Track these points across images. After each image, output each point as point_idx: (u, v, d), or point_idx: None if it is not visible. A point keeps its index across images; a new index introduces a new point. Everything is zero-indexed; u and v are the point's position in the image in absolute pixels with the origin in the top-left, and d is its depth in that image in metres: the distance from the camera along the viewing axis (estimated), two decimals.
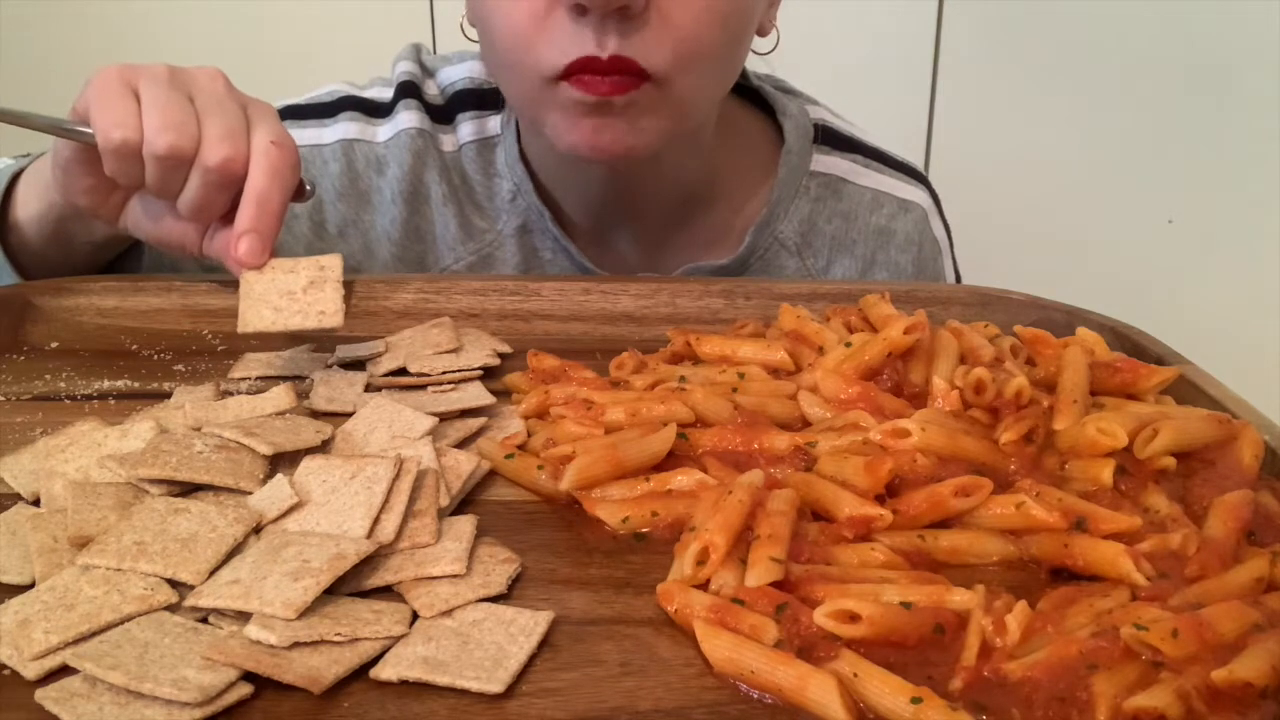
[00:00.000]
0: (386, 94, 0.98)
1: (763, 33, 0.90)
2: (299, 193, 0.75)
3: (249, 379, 0.69)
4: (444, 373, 0.68)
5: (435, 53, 1.03)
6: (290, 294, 0.69)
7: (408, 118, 0.95)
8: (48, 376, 0.70)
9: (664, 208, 0.94)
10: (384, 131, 0.96)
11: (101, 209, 0.77)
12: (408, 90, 0.97)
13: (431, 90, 0.98)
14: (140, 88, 0.71)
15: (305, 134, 0.94)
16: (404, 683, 0.43)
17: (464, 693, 0.42)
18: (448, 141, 0.97)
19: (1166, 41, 1.68)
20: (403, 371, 0.69)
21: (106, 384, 0.69)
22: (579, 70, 0.76)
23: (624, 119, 0.79)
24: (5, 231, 0.82)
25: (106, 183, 0.74)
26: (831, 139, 1.00)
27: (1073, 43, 1.68)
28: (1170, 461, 0.57)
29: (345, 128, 0.96)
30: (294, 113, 0.96)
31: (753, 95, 1.00)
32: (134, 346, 0.75)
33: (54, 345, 0.75)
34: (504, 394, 0.67)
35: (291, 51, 1.66)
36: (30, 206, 0.81)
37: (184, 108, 0.70)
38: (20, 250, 0.82)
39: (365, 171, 0.96)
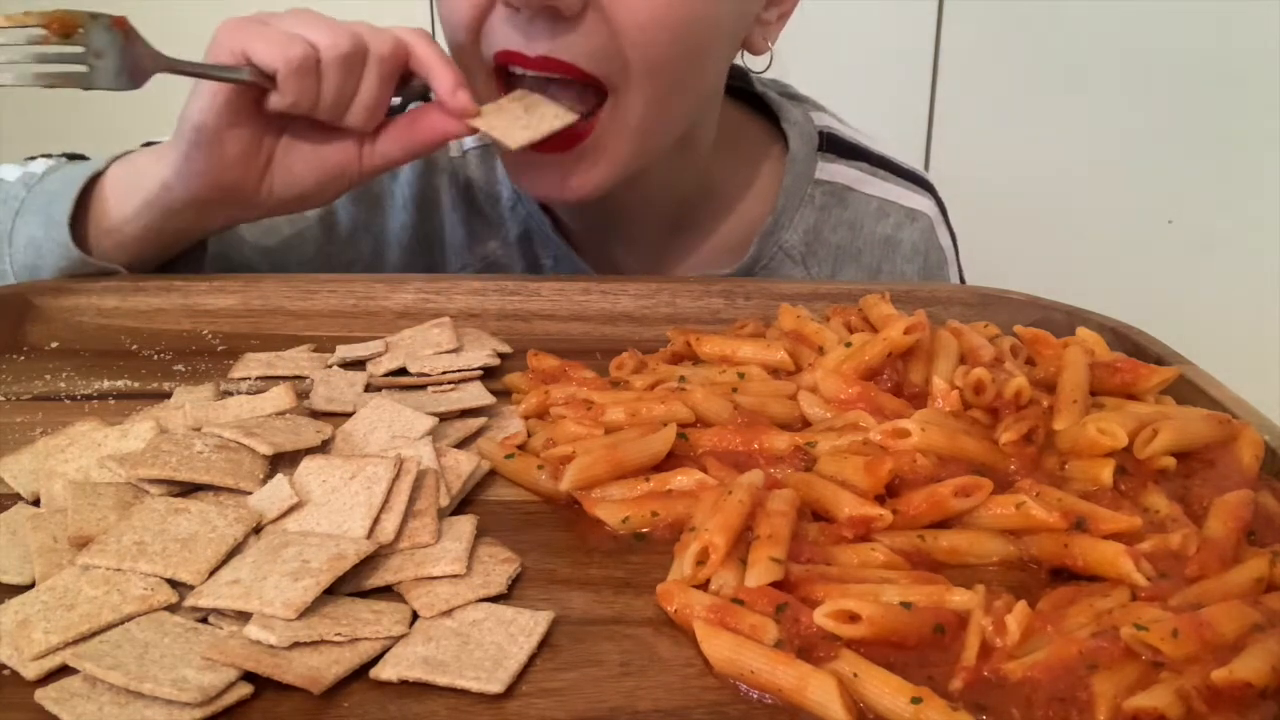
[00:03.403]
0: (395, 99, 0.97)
1: (756, 51, 0.89)
2: None
3: (249, 379, 0.69)
4: (444, 373, 0.68)
5: None
6: (521, 119, 0.77)
7: None
8: (48, 376, 0.70)
9: (660, 218, 0.94)
10: None
11: (248, 179, 0.78)
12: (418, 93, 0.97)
13: None
14: (273, 22, 0.74)
15: None
16: (404, 683, 0.43)
17: (464, 693, 0.42)
18: (452, 146, 0.97)
19: (1166, 42, 1.68)
20: (403, 371, 0.69)
21: (106, 384, 0.69)
22: (506, 61, 0.78)
23: (564, 164, 0.81)
24: (85, 235, 0.81)
25: (255, 141, 0.77)
26: (837, 147, 1.00)
27: (1073, 43, 1.68)
28: (1170, 461, 0.57)
29: None
30: None
31: (756, 101, 1.00)
32: (134, 346, 0.75)
33: (54, 345, 0.75)
34: (504, 394, 0.67)
35: None
36: (127, 206, 0.80)
37: (330, 22, 0.74)
38: (114, 254, 0.82)
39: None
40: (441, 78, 0.77)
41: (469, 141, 0.97)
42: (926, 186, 1.03)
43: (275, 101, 0.74)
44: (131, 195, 0.79)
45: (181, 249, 0.85)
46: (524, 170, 0.83)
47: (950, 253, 1.03)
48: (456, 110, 0.77)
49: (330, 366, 0.71)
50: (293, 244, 0.94)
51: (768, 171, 0.98)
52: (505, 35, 0.77)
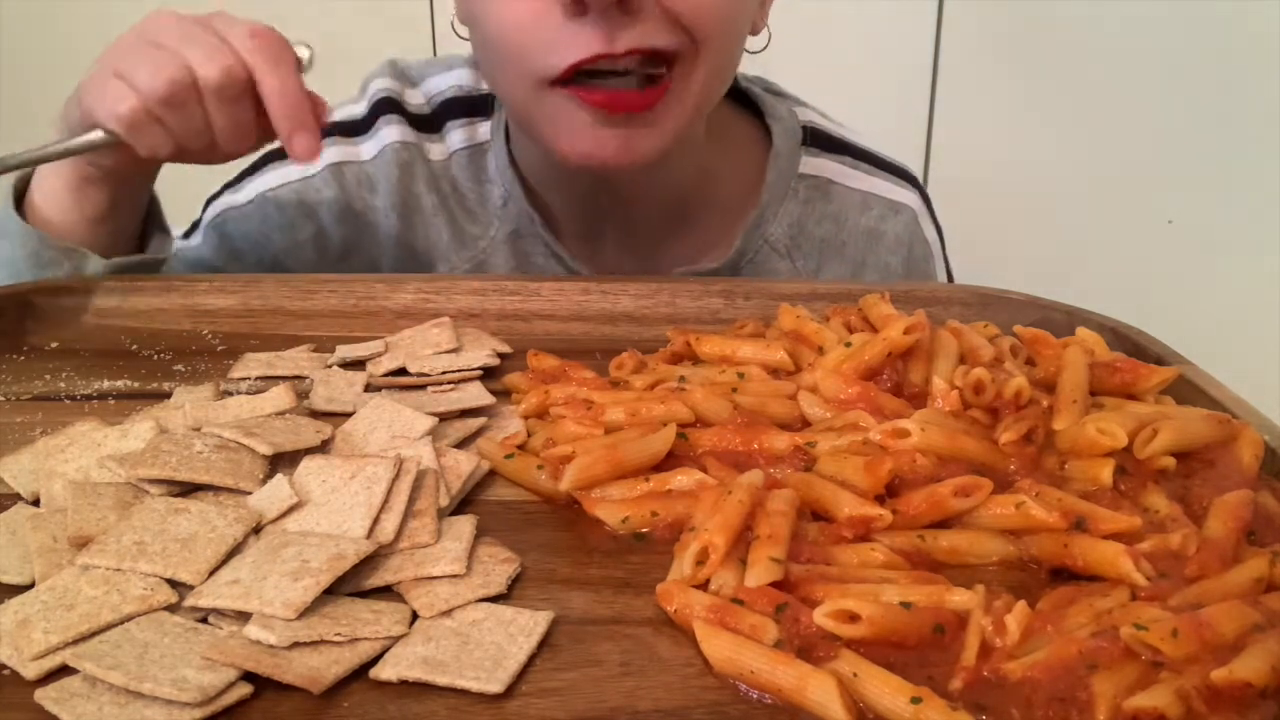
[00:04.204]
0: (358, 110, 0.97)
1: (754, 30, 0.90)
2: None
3: (249, 379, 0.69)
4: (444, 373, 0.69)
5: (435, 54, 1.03)
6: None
7: (390, 132, 0.95)
8: (48, 376, 0.70)
9: (654, 211, 0.94)
10: (368, 149, 0.96)
11: (167, 163, 0.80)
12: (386, 105, 0.96)
13: (416, 100, 0.98)
14: (119, 68, 0.72)
15: (291, 168, 0.94)
16: (404, 683, 0.43)
17: (464, 693, 0.42)
18: (436, 150, 0.97)
19: (1166, 42, 1.68)
20: (402, 371, 0.69)
21: (106, 384, 0.69)
22: (589, 64, 0.76)
23: (638, 124, 0.80)
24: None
25: (156, 159, 0.77)
26: (820, 141, 1.00)
27: (1073, 43, 1.68)
28: (1170, 461, 0.57)
29: (328, 152, 0.95)
30: (275, 155, 0.96)
31: (742, 98, 1.00)
32: (134, 346, 0.75)
33: (54, 345, 0.75)
34: (504, 394, 0.67)
35: None
36: (59, 195, 0.81)
37: (161, 54, 0.72)
38: (70, 236, 0.82)
39: (358, 192, 0.95)
40: (277, 122, 0.74)
41: (456, 143, 0.97)
42: (910, 179, 1.03)
43: (139, 151, 0.74)
44: (57, 185, 0.81)
45: (134, 206, 0.86)
46: (586, 136, 0.81)
47: (936, 246, 1.03)
48: (298, 158, 0.75)
49: (330, 366, 0.71)
50: (289, 267, 0.95)
51: (753, 165, 0.98)
52: (578, 43, 0.76)
